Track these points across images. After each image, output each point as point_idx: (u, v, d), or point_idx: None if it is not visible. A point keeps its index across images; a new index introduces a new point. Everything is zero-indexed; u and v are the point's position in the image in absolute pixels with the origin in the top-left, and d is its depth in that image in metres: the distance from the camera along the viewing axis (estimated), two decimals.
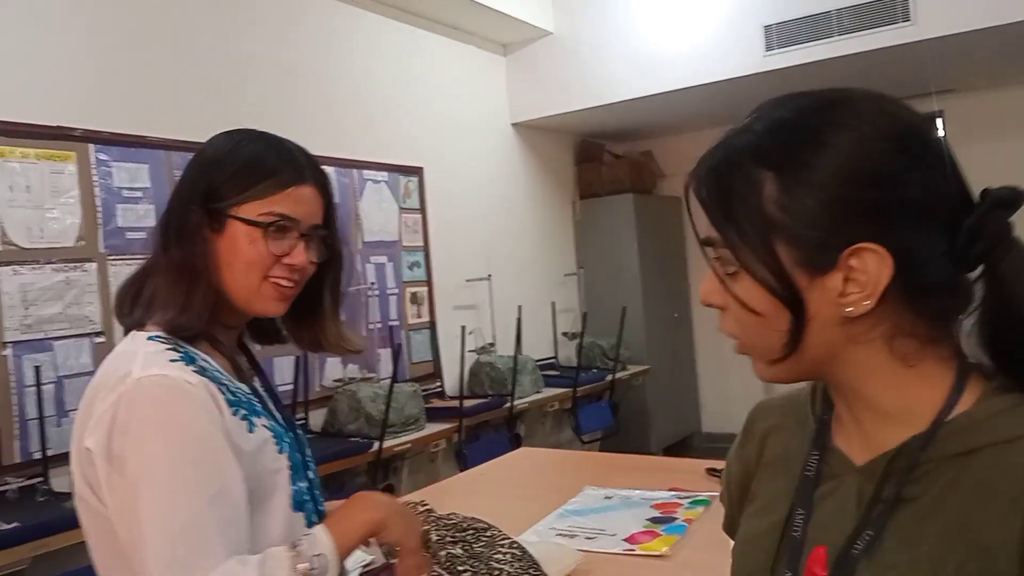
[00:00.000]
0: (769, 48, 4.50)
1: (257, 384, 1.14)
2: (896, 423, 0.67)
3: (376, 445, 3.52)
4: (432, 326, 4.68)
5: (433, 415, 4.07)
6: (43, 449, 2.77)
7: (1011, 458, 0.62)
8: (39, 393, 2.79)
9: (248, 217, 1.02)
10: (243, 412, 1.01)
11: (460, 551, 1.54)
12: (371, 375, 4.16)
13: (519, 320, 4.83)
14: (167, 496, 0.91)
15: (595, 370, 5.31)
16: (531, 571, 1.50)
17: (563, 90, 5.26)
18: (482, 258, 5.11)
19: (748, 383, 0.80)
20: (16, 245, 2.85)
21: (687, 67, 4.77)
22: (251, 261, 1.03)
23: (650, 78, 4.90)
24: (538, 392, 4.77)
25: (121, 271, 3.08)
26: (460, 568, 1.49)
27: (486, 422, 4.42)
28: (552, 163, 5.97)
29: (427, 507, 1.74)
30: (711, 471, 2.18)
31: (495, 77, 5.41)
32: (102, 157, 3.12)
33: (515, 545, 1.59)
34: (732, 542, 0.83)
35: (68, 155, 3.02)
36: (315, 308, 1.14)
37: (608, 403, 5.27)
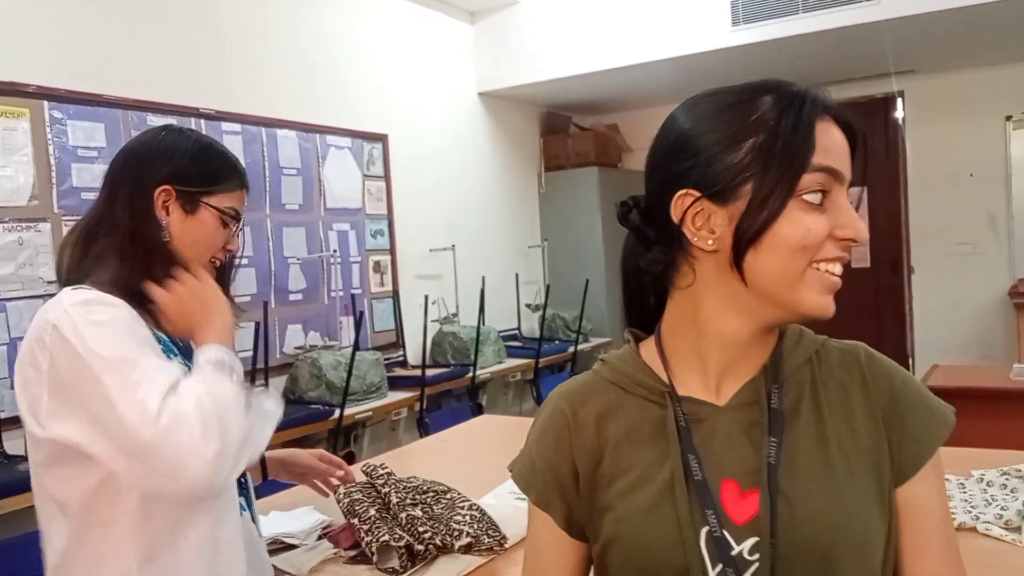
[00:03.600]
0: (735, 23, 4.52)
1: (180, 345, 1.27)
2: (751, 364, 0.82)
3: (337, 412, 3.52)
4: (395, 295, 4.67)
5: (395, 383, 4.07)
6: None
7: (835, 357, 0.83)
8: None
9: (220, 207, 1.24)
10: (161, 346, 1.16)
11: (420, 512, 1.56)
12: (333, 343, 4.14)
13: (483, 291, 4.83)
14: (121, 359, 1.03)
15: (557, 342, 5.34)
16: (490, 532, 1.53)
17: (530, 60, 5.23)
18: (446, 228, 5.09)
19: None
20: None
21: (654, 40, 4.77)
22: (210, 243, 1.24)
23: (617, 50, 4.89)
24: (500, 362, 4.80)
25: None
26: (420, 529, 1.50)
27: (448, 391, 4.44)
28: (518, 134, 5.95)
29: (387, 470, 1.75)
30: None
31: (462, 45, 5.35)
32: (56, 115, 3.04)
33: (475, 507, 1.61)
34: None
35: (21, 111, 2.94)
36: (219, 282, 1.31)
37: (570, 374, 5.31)
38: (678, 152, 0.79)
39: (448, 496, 1.67)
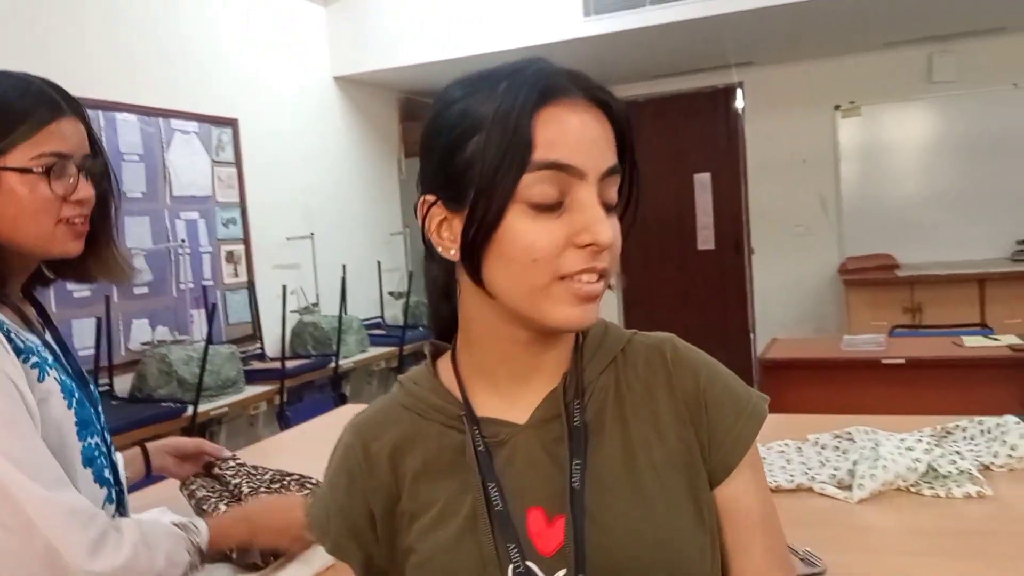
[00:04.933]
0: (587, 14, 4.63)
1: (48, 337, 1.09)
2: (547, 373, 0.75)
3: (190, 410, 3.36)
4: (250, 286, 4.49)
5: (253, 377, 3.93)
6: None
7: (640, 356, 0.76)
8: None
9: (20, 165, 0.98)
10: (34, 360, 0.99)
11: None
12: (183, 337, 3.94)
13: (343, 279, 4.74)
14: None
15: (422, 328, 5.31)
16: None
17: (386, 45, 5.15)
18: (304, 216, 4.95)
19: None
20: None
21: (509, 29, 4.81)
22: (38, 209, 1.00)
23: (471, 38, 4.90)
24: (364, 351, 4.72)
25: None
26: None
27: (310, 383, 4.33)
28: (376, 120, 5.86)
29: (238, 460, 1.69)
30: None
31: (315, 28, 5.20)
32: None
33: None
34: None
35: None
36: (94, 237, 1.10)
37: None
38: (423, 151, 0.73)
39: (308, 486, 1.63)
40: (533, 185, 0.65)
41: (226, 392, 3.66)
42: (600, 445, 0.72)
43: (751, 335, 6.20)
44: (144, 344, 3.74)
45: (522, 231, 0.65)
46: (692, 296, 6.33)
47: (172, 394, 3.45)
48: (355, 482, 0.77)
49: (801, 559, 1.16)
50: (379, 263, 5.54)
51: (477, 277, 0.69)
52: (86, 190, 1.04)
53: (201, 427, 3.53)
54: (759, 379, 3.52)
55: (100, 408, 1.14)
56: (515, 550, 0.68)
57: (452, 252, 0.70)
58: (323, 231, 5.04)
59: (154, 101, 3.92)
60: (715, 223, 6.28)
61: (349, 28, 5.25)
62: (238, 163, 4.48)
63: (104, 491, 1.10)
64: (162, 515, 1.65)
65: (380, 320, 5.53)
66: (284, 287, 4.36)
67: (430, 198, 0.71)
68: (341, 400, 4.33)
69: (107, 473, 1.10)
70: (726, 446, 0.74)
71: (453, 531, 0.71)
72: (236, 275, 4.43)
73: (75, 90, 1.09)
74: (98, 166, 1.08)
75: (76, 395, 1.06)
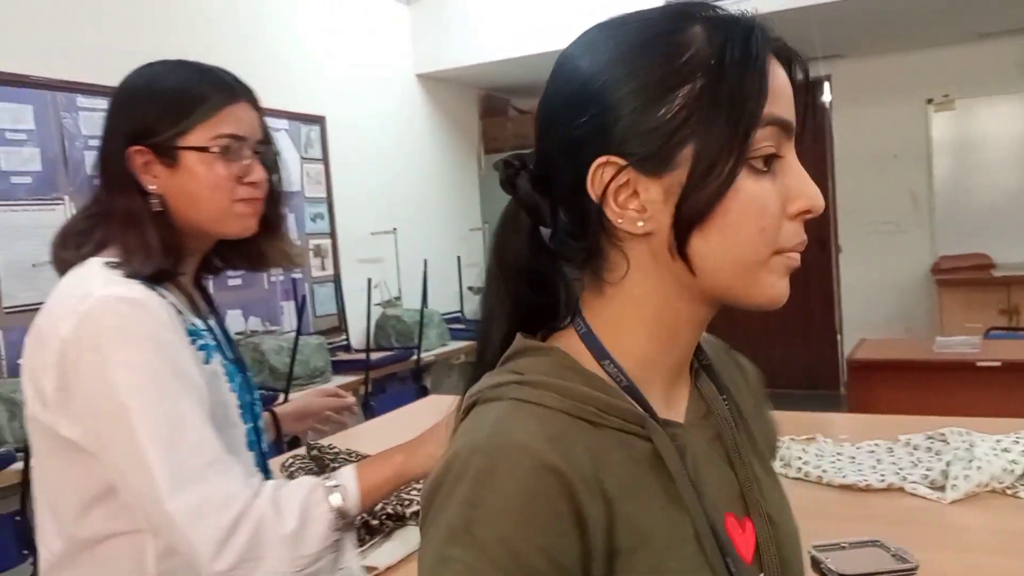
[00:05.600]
0: None
1: (212, 323, 1.13)
2: (686, 368, 0.68)
3: (281, 397, 3.49)
4: (336, 279, 4.63)
5: (339, 368, 4.06)
6: None
7: (712, 350, 0.73)
8: None
9: (198, 144, 1.02)
10: (200, 343, 1.03)
11: None
12: (274, 328, 4.10)
13: (425, 274, 4.84)
14: (155, 406, 0.92)
15: None
16: None
17: (469, 41, 5.22)
18: (387, 211, 5.07)
19: None
20: None
21: (588, 24, 4.80)
22: (215, 185, 1.03)
23: (554, 34, 4.91)
24: (444, 345, 4.81)
25: (6, 217, 2.91)
26: None
27: (392, 375, 4.44)
28: (457, 116, 5.94)
29: (334, 449, 1.78)
30: None
31: (398, 26, 5.31)
32: None
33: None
34: None
35: None
36: (267, 223, 1.13)
37: None
38: (586, 104, 0.59)
39: None
40: (760, 141, 0.56)
41: (315, 381, 3.79)
42: (741, 440, 0.68)
43: (838, 335, 6.04)
44: (238, 334, 3.90)
45: (754, 195, 0.57)
46: None
47: (264, 382, 3.60)
48: (562, 516, 0.54)
49: (892, 555, 1.15)
50: (459, 258, 5.63)
51: (683, 250, 0.58)
52: (260, 172, 1.07)
53: None
54: (847, 380, 3.45)
55: (257, 395, 1.17)
56: (732, 563, 0.59)
57: (640, 224, 0.58)
58: (405, 226, 5.15)
59: None
60: None
61: (431, 25, 5.35)
62: (325, 159, 4.62)
63: (261, 476, 1.11)
64: None
65: (460, 314, 5.61)
66: (369, 280, 4.47)
67: (616, 160, 0.58)
68: (422, 392, 4.42)
69: (260, 459, 1.12)
70: (772, 442, 0.78)
71: (689, 559, 0.59)
72: (323, 268, 4.57)
73: None
74: (271, 154, 1.12)
75: (238, 380, 1.09)
